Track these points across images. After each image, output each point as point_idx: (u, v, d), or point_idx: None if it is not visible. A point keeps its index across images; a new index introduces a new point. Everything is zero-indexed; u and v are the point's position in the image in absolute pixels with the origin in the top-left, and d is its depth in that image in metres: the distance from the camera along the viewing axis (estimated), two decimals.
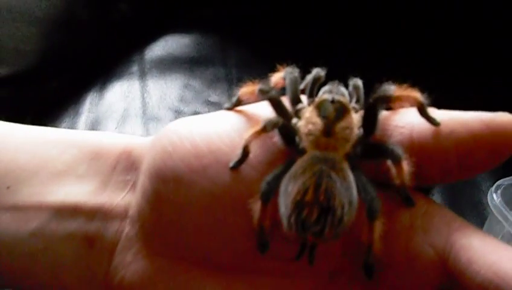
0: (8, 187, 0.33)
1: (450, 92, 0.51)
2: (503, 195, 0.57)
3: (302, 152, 0.28)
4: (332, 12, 0.90)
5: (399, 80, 0.29)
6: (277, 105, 0.30)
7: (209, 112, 0.52)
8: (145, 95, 0.82)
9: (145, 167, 0.31)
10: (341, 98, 0.29)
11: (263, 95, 0.30)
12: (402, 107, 0.29)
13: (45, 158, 0.33)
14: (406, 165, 0.26)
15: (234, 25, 0.92)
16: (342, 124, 0.28)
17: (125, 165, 0.33)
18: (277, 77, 0.32)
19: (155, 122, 0.80)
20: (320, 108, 0.29)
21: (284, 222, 0.26)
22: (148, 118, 0.80)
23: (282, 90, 0.32)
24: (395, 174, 0.27)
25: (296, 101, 0.31)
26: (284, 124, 0.29)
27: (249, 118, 0.30)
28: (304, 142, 0.29)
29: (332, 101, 0.29)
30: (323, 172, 0.26)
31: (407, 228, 0.27)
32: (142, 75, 0.84)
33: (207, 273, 0.30)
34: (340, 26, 0.89)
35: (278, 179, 0.27)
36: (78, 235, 0.32)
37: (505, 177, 0.62)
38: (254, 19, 0.90)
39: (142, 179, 0.31)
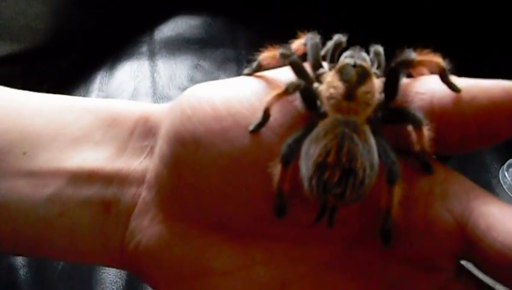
0: (24, 153, 0.33)
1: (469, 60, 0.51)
2: None
3: (323, 116, 0.28)
4: None
5: (420, 47, 0.29)
6: (298, 69, 0.30)
7: None
8: (155, 74, 0.82)
9: (163, 132, 0.31)
10: (363, 63, 0.29)
11: (284, 59, 0.30)
12: (423, 74, 0.29)
13: (62, 124, 0.33)
14: (426, 131, 0.26)
15: (244, 6, 0.92)
16: (364, 88, 0.28)
17: (143, 130, 0.33)
18: (298, 43, 0.32)
19: (165, 102, 0.80)
20: (342, 72, 0.29)
21: (305, 183, 0.26)
22: (158, 98, 0.80)
23: (303, 57, 0.32)
24: (416, 140, 0.27)
25: (317, 66, 0.31)
26: (305, 87, 0.29)
27: (269, 83, 0.30)
28: (326, 106, 0.29)
29: (354, 66, 0.29)
30: (346, 134, 0.26)
31: (426, 194, 0.27)
32: (152, 55, 0.84)
33: (223, 237, 0.30)
34: (352, 3, 0.89)
35: (299, 142, 0.27)
36: (95, 201, 0.32)
37: None
38: (264, 0, 0.90)
39: (160, 144, 0.31)
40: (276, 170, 0.27)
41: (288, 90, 0.28)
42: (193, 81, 0.81)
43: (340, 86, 0.28)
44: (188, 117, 0.29)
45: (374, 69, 0.30)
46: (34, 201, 0.32)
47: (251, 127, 0.28)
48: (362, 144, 0.26)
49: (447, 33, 0.84)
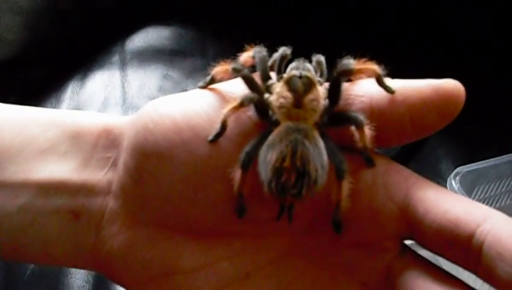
0: None
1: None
2: (461, 182, 0.60)
3: (275, 124, 0.31)
4: (311, 4, 0.93)
5: (358, 54, 0.32)
6: (250, 82, 0.32)
7: None
8: (125, 84, 0.84)
9: (126, 144, 0.33)
10: (308, 73, 0.32)
11: (236, 73, 0.32)
12: (361, 78, 0.32)
13: (28, 136, 0.35)
14: (367, 130, 0.30)
15: (213, 18, 0.94)
16: (310, 96, 0.31)
17: (106, 143, 0.35)
18: (246, 56, 0.34)
19: (134, 111, 0.82)
20: (289, 83, 0.32)
21: (265, 186, 0.29)
22: (127, 107, 0.83)
23: (252, 68, 0.34)
24: (358, 139, 0.30)
25: (266, 77, 0.33)
26: (259, 99, 0.32)
27: (223, 95, 0.33)
28: (277, 115, 0.32)
29: (300, 76, 0.32)
30: (298, 140, 0.30)
31: (370, 185, 0.31)
32: (123, 65, 0.87)
33: (188, 238, 0.32)
34: (319, 22, 0.92)
35: (255, 149, 0.30)
36: (64, 210, 0.34)
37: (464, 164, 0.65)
38: (233, 11, 0.93)
39: (124, 156, 0.33)
40: (236, 175, 0.30)
41: (243, 103, 0.31)
42: (162, 90, 0.84)
43: (288, 95, 0.31)
44: (150, 131, 0.32)
45: (317, 77, 0.33)
46: (6, 211, 0.34)
47: (210, 138, 0.31)
48: (313, 148, 0.30)
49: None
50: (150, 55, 0.89)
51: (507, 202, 0.68)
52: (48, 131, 0.35)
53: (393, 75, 0.32)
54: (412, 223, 0.30)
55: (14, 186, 0.34)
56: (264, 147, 0.30)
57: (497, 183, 0.65)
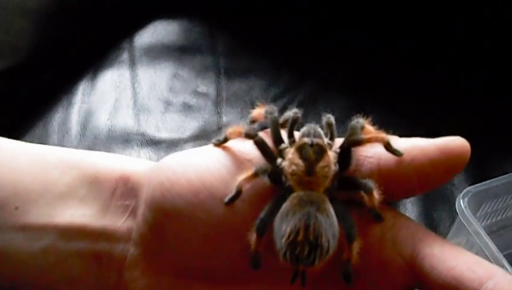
0: (16, 208, 0.36)
1: None
2: (470, 201, 0.61)
3: (288, 189, 0.33)
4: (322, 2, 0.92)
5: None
6: (262, 147, 0.34)
7: (197, 102, 0.56)
8: (136, 85, 0.85)
9: (144, 197, 0.35)
10: (319, 141, 0.33)
11: (249, 138, 0.34)
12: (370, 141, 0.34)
13: (48, 180, 0.37)
14: (376, 194, 0.31)
15: (223, 12, 0.94)
16: (321, 163, 0.33)
17: (124, 190, 0.36)
18: (257, 113, 0.36)
19: (146, 114, 0.83)
20: (301, 151, 0.33)
21: (280, 255, 0.31)
22: (138, 110, 0.83)
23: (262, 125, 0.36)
24: (367, 200, 0.32)
25: (278, 142, 0.35)
26: (272, 170, 0.33)
27: (236, 156, 0.34)
28: (290, 181, 0.33)
29: (311, 145, 0.33)
30: (311, 214, 0.31)
31: (378, 240, 0.33)
32: (132, 64, 0.87)
33: (206, 286, 0.34)
34: (329, 17, 0.91)
35: (270, 216, 0.32)
36: (86, 253, 0.36)
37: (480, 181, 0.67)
38: (243, 6, 0.92)
39: (143, 209, 0.35)
40: (253, 237, 0.32)
41: (257, 174, 0.32)
42: (172, 91, 0.84)
43: (300, 163, 0.33)
44: (167, 189, 0.33)
45: (327, 140, 0.35)
46: (30, 252, 0.36)
47: (226, 200, 0.32)
48: (325, 219, 0.31)
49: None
50: (159, 53, 0.89)
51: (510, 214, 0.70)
52: (66, 174, 0.36)
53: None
54: (419, 277, 0.31)
55: (37, 229, 0.36)
56: (278, 217, 0.32)
57: (504, 198, 0.67)
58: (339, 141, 0.34)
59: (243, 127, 0.35)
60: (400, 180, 0.32)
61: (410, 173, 0.32)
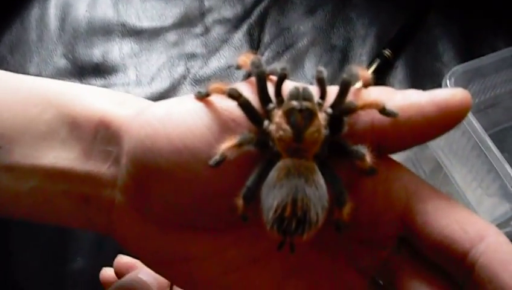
0: (0, 147, 0.35)
1: None
2: (458, 80, 0.61)
3: (275, 154, 0.31)
4: None
5: None
6: (247, 110, 0.31)
7: None
8: None
9: (126, 150, 0.33)
10: (308, 105, 0.31)
11: (233, 99, 0.31)
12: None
13: (28, 118, 0.35)
14: (368, 158, 0.30)
15: None
16: (311, 129, 0.31)
17: (105, 135, 0.35)
18: (243, 60, 0.33)
19: (125, 3, 0.80)
20: (289, 116, 0.31)
21: (268, 227, 0.30)
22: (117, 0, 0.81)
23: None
24: (359, 164, 0.30)
25: (266, 101, 0.32)
26: (257, 140, 0.31)
27: (219, 114, 0.32)
28: (277, 146, 0.31)
29: (300, 110, 0.31)
30: (299, 188, 0.30)
31: (370, 194, 0.32)
32: None
33: (196, 231, 0.34)
34: None
35: (257, 183, 0.30)
36: (73, 194, 0.35)
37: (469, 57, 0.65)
38: None
39: (125, 160, 0.33)
40: (239, 203, 0.30)
41: (242, 144, 0.30)
42: None
43: (288, 129, 0.31)
44: (148, 148, 0.32)
45: (317, 99, 0.32)
46: (18, 192, 0.35)
47: (211, 162, 0.30)
48: (313, 192, 0.30)
49: None
50: None
51: (501, 91, 0.69)
52: (45, 112, 0.35)
53: None
54: (410, 232, 0.31)
55: (24, 170, 0.35)
56: (265, 188, 0.30)
57: (492, 77, 0.66)
58: (332, 90, 0.32)
59: (226, 84, 0.32)
60: (394, 138, 0.31)
61: (405, 132, 0.30)
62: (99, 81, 0.75)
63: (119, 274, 0.50)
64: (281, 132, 0.31)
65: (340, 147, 0.31)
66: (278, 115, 0.31)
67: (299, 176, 0.30)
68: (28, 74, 0.73)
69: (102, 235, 0.37)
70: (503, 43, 0.77)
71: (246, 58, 0.33)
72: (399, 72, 0.76)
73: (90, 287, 0.64)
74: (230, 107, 0.32)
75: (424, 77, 0.75)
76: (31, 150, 0.35)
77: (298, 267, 0.35)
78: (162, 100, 0.34)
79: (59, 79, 0.72)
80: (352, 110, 0.31)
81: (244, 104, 0.31)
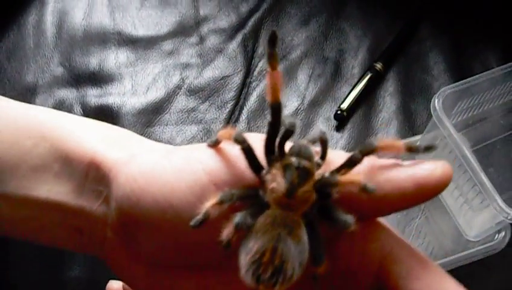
0: None
1: None
2: (447, 98, 0.62)
3: (265, 204, 0.32)
4: None
5: None
6: (249, 155, 0.32)
7: None
8: None
9: (114, 197, 0.35)
10: (306, 164, 0.32)
11: (237, 144, 0.32)
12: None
13: (22, 150, 0.36)
14: (353, 227, 0.31)
15: None
16: (304, 188, 0.31)
17: (96, 176, 0.36)
18: (224, 135, 0.33)
19: (121, 11, 0.81)
20: (285, 171, 0.31)
21: (242, 270, 0.31)
22: (113, 7, 0.81)
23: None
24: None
25: (258, 169, 0.33)
26: (239, 196, 0.31)
27: (201, 178, 0.33)
28: (268, 196, 0.32)
29: (298, 167, 0.31)
30: (281, 238, 0.30)
31: (347, 252, 0.33)
32: None
33: (182, 272, 0.35)
34: None
35: (246, 219, 0.31)
36: (67, 224, 0.37)
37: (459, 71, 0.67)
38: None
39: (114, 205, 0.35)
40: (229, 230, 0.31)
41: (222, 201, 0.31)
42: None
43: (282, 183, 0.31)
44: (134, 203, 0.33)
45: (317, 159, 0.33)
46: (14, 219, 0.37)
47: (193, 223, 0.31)
48: (294, 246, 0.30)
49: None
50: None
51: (490, 106, 0.71)
52: (39, 146, 0.36)
53: None
54: None
55: (17, 200, 0.36)
56: (248, 233, 0.31)
57: (481, 95, 0.67)
58: (335, 155, 0.33)
59: (233, 130, 0.33)
60: (370, 209, 0.32)
61: (381, 205, 0.32)
62: (95, 90, 0.76)
63: None
64: (274, 184, 0.31)
65: (330, 212, 0.32)
66: (276, 166, 0.32)
67: (284, 226, 0.31)
68: (24, 82, 0.75)
69: (109, 266, 0.38)
70: (494, 56, 0.79)
71: (225, 134, 0.33)
72: (390, 85, 0.77)
73: None
74: (213, 170, 0.33)
75: (414, 90, 0.77)
76: (25, 182, 0.36)
77: None
78: (148, 154, 0.35)
79: (56, 88, 0.74)
80: (332, 185, 0.31)
81: (246, 149, 0.32)
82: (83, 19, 0.81)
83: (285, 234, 0.31)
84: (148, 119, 0.74)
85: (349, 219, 0.31)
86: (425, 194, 0.31)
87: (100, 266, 0.67)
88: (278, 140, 0.33)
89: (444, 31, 0.81)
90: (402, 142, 0.32)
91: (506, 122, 0.74)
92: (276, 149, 0.33)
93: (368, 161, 0.32)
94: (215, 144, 0.33)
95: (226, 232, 0.31)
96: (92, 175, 0.36)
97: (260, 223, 0.31)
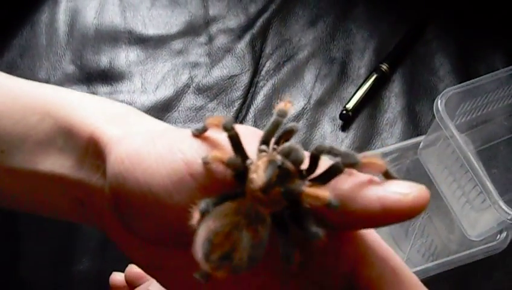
0: (2, 151, 0.38)
1: None
2: (450, 99, 0.63)
3: (241, 193, 0.32)
4: None
5: None
6: (235, 143, 0.32)
7: None
8: None
9: (107, 173, 0.36)
10: (289, 166, 0.31)
11: (225, 131, 0.32)
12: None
13: (28, 126, 0.38)
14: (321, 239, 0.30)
15: None
16: (281, 189, 0.31)
17: (95, 151, 0.37)
18: (212, 122, 0.34)
19: (132, 10, 0.83)
20: (268, 166, 0.31)
21: (195, 246, 0.31)
22: (125, 6, 0.83)
23: None
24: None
25: (244, 158, 0.33)
26: (239, 167, 0.32)
27: (180, 168, 0.33)
28: (246, 185, 0.32)
29: (280, 166, 0.31)
30: (240, 226, 0.30)
31: (320, 252, 0.33)
32: None
33: (170, 250, 0.36)
34: None
35: (214, 204, 0.31)
36: (70, 196, 0.38)
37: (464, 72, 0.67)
38: None
39: (108, 181, 0.36)
40: (195, 215, 0.31)
41: (228, 164, 0.32)
42: None
43: (262, 176, 0.31)
44: (120, 183, 0.35)
45: (305, 167, 0.32)
46: (18, 192, 0.40)
47: (193, 131, 0.34)
48: (248, 239, 0.30)
49: None
50: None
51: (494, 108, 0.72)
52: (44, 122, 0.38)
53: None
54: None
55: (23, 173, 0.38)
56: (212, 212, 0.31)
57: (485, 96, 0.68)
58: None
59: (223, 117, 0.33)
60: (336, 221, 0.31)
61: (346, 220, 0.31)
62: (106, 88, 0.78)
63: (130, 283, 0.53)
64: (254, 175, 0.31)
65: (301, 220, 0.31)
66: (263, 159, 0.32)
67: (246, 217, 0.31)
68: (37, 78, 0.76)
69: (108, 237, 0.40)
70: (500, 59, 0.79)
71: (214, 120, 0.33)
72: (395, 86, 0.78)
73: (96, 289, 0.67)
74: (190, 161, 0.33)
75: (419, 91, 0.78)
76: (31, 156, 0.38)
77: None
78: (137, 136, 0.36)
79: (67, 85, 0.76)
80: (296, 196, 0.31)
81: (232, 137, 0.32)
82: (94, 18, 0.82)
83: (244, 225, 0.31)
84: (157, 117, 0.71)
85: (319, 231, 0.30)
86: (394, 217, 0.30)
87: (108, 259, 0.70)
88: (278, 136, 0.33)
89: (450, 33, 0.81)
90: (383, 163, 0.31)
91: (510, 124, 0.74)
92: (271, 145, 0.33)
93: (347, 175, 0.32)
94: (201, 132, 0.34)
95: (195, 216, 0.31)
96: (92, 149, 0.38)
97: (226, 206, 0.31)
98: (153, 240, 0.36)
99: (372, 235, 0.34)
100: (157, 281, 0.40)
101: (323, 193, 0.30)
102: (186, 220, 0.32)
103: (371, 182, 0.31)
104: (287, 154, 0.32)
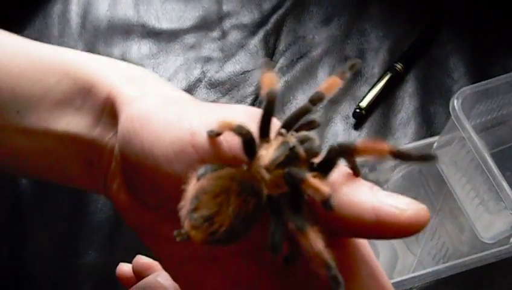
0: (17, 111, 0.39)
1: None
2: (466, 100, 0.63)
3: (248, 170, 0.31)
4: None
5: None
6: (247, 146, 0.32)
7: None
8: None
9: (118, 132, 0.36)
10: (300, 151, 0.31)
11: (238, 134, 0.31)
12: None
13: (46, 86, 0.39)
14: (310, 234, 0.29)
15: None
16: (283, 171, 0.30)
17: (111, 110, 0.38)
18: (224, 126, 0.32)
19: (145, 4, 0.82)
20: (280, 146, 0.31)
21: (182, 201, 0.30)
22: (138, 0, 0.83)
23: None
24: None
25: (289, 126, 0.32)
26: (247, 134, 0.31)
27: (184, 137, 0.33)
28: (254, 161, 0.31)
29: (291, 149, 0.31)
30: (228, 192, 0.29)
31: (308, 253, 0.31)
32: None
33: (169, 217, 0.34)
34: None
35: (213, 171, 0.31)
36: (81, 157, 0.39)
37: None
38: None
39: (118, 141, 0.36)
40: (193, 179, 0.31)
41: (237, 131, 0.31)
42: None
43: (270, 154, 0.31)
44: (126, 142, 0.35)
45: (317, 160, 0.31)
46: (32, 152, 0.40)
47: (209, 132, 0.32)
48: (234, 206, 0.29)
49: None
50: None
51: (509, 110, 0.71)
52: (62, 82, 0.39)
53: None
54: None
55: (38, 133, 0.39)
56: (208, 174, 0.30)
57: (500, 97, 0.68)
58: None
59: (235, 121, 0.32)
60: (328, 224, 0.30)
61: (338, 225, 0.30)
62: None
63: (137, 273, 0.52)
64: (263, 152, 0.31)
65: (295, 210, 0.30)
66: (278, 139, 0.31)
67: (239, 185, 0.30)
68: None
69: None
70: None
71: (228, 124, 0.32)
72: (409, 86, 0.77)
73: (102, 281, 0.66)
74: (197, 133, 0.33)
75: (433, 92, 0.77)
76: (46, 116, 0.39)
77: (252, 279, 0.35)
78: (151, 98, 0.36)
79: None
80: (298, 181, 0.30)
81: (246, 141, 0.31)
82: (107, 10, 0.82)
83: (234, 191, 0.30)
84: None
85: (305, 225, 0.29)
86: (387, 231, 0.29)
87: (115, 252, 0.69)
88: (298, 125, 0.32)
89: (465, 35, 0.81)
90: (386, 145, 0.30)
91: None
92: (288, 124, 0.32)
93: (342, 174, 0.31)
94: (215, 135, 0.32)
95: (191, 181, 0.31)
96: (108, 109, 0.38)
97: (224, 171, 0.31)
98: (152, 206, 0.36)
99: (365, 250, 0.33)
100: (152, 250, 0.39)
101: (324, 187, 0.29)
102: (182, 190, 0.31)
103: (370, 190, 0.30)
104: (302, 141, 0.31)
